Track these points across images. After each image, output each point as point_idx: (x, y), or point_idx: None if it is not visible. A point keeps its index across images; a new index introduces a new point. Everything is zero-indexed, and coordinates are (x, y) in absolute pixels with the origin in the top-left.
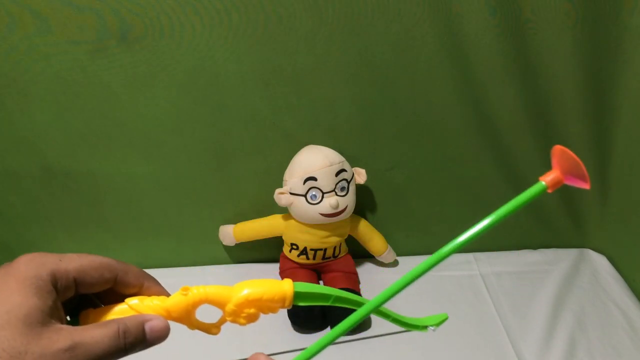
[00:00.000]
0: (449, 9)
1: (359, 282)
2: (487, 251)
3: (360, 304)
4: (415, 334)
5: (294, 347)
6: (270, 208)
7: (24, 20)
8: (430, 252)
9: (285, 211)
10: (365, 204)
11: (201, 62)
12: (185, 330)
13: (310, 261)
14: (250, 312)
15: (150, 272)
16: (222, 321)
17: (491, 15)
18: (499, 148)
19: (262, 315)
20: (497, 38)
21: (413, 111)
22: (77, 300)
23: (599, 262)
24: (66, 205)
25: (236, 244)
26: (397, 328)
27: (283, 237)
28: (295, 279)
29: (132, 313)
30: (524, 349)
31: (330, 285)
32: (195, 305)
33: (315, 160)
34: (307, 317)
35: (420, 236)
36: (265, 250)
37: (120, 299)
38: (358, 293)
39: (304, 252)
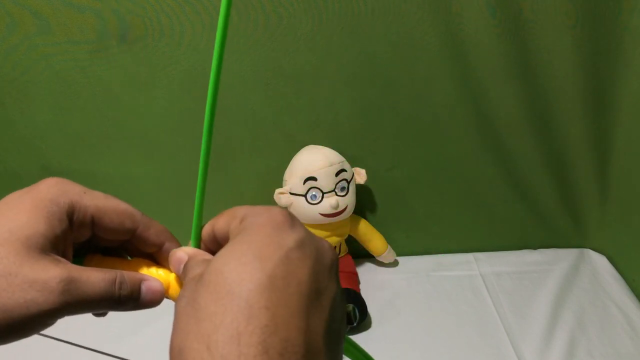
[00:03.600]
0: (449, 9)
1: (359, 282)
2: (487, 251)
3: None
4: (415, 333)
5: None
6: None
7: (24, 21)
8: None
9: None
10: (365, 204)
11: (201, 62)
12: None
13: None
14: None
15: None
16: None
17: (491, 15)
18: (499, 148)
19: None
20: (497, 38)
21: (413, 111)
22: (91, 249)
23: (599, 262)
24: None
25: None
26: (397, 325)
27: None
28: None
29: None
30: (524, 349)
31: None
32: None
33: (315, 160)
34: None
35: (420, 236)
36: None
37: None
38: (358, 293)
39: None
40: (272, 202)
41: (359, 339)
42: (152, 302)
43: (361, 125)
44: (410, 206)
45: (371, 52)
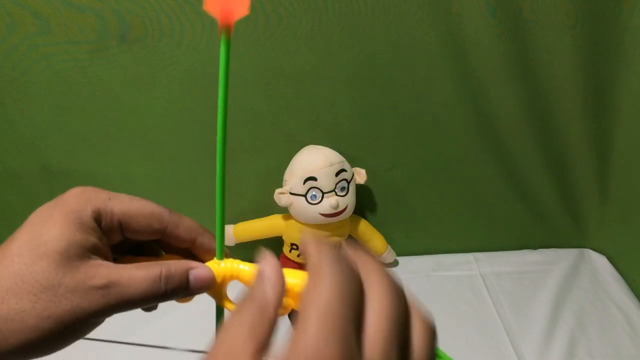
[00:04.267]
0: (449, 9)
1: None
2: (487, 251)
3: None
4: None
5: None
6: (270, 208)
7: (24, 21)
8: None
9: (285, 211)
10: (365, 204)
11: (201, 62)
12: (181, 330)
13: None
14: (287, 304)
15: None
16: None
17: (491, 15)
18: (499, 148)
19: None
20: (497, 38)
21: (413, 111)
22: (125, 248)
23: (599, 262)
24: None
25: (236, 244)
26: None
27: (283, 237)
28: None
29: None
30: (524, 349)
31: None
32: (227, 279)
33: (315, 160)
34: None
35: (420, 236)
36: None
37: (174, 249)
38: None
39: None
40: (272, 202)
41: None
42: (203, 288)
43: (361, 125)
44: (410, 206)
45: (371, 52)
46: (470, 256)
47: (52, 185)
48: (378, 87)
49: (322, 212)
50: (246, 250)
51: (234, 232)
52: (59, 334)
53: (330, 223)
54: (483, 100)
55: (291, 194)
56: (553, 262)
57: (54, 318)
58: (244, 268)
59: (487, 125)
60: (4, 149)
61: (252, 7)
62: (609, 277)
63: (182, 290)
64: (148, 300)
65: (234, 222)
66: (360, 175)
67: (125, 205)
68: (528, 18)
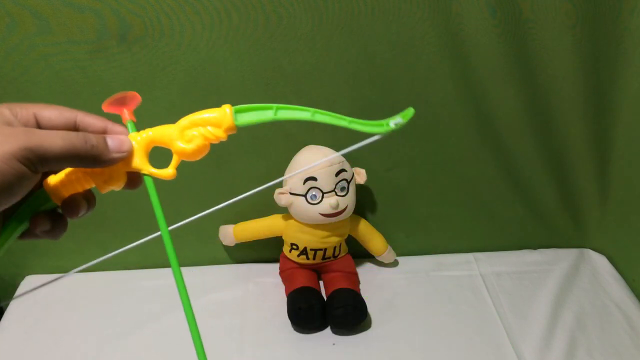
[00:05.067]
0: (449, 9)
1: (359, 282)
2: (487, 251)
3: (304, 112)
4: (415, 333)
5: (294, 347)
6: (270, 208)
7: (24, 21)
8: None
9: (285, 211)
10: (365, 204)
11: (201, 62)
12: (184, 330)
13: (310, 261)
14: (197, 140)
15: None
16: (174, 161)
17: (491, 15)
18: (499, 148)
19: (262, 316)
20: (497, 38)
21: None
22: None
23: (599, 262)
24: None
25: (236, 244)
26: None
27: (283, 237)
28: (295, 278)
29: (90, 176)
30: (524, 349)
31: (330, 285)
32: (146, 149)
33: (315, 160)
34: (307, 317)
35: (420, 236)
36: (265, 250)
37: None
38: (358, 293)
39: (304, 252)
40: (272, 202)
41: (359, 338)
42: (121, 149)
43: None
44: (410, 206)
45: (371, 52)
46: (470, 256)
47: None
48: (378, 87)
49: (322, 212)
50: (246, 251)
51: (234, 232)
52: None
53: (330, 223)
54: (483, 100)
55: (291, 194)
56: (553, 262)
57: None
58: (150, 133)
59: (487, 125)
60: None
61: (252, 7)
62: (609, 277)
63: (103, 149)
64: (71, 155)
65: (234, 222)
66: (360, 175)
67: (34, 104)
68: (528, 18)
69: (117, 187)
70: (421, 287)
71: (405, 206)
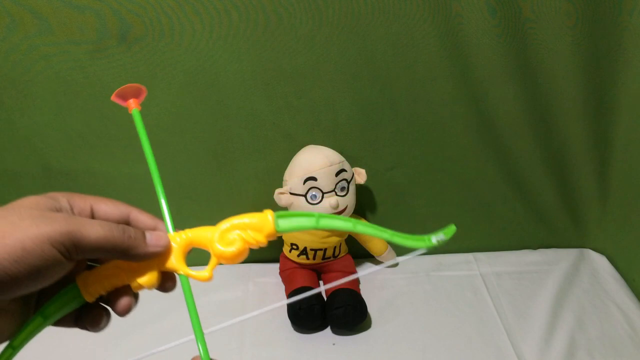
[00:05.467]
0: (449, 9)
1: (359, 282)
2: (487, 251)
3: (346, 222)
4: (415, 333)
5: (294, 347)
6: (270, 208)
7: (24, 21)
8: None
9: None
10: (365, 204)
11: (201, 62)
12: (184, 330)
13: (310, 261)
14: (237, 243)
15: None
16: (212, 263)
17: (491, 15)
18: (499, 148)
19: (262, 316)
20: (497, 38)
21: (413, 111)
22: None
23: (599, 262)
24: None
25: None
26: (397, 325)
27: (283, 237)
28: (295, 278)
29: (122, 269)
30: (524, 349)
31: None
32: (184, 250)
33: (315, 160)
34: (307, 317)
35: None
36: (265, 250)
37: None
38: (358, 293)
39: (304, 252)
40: (272, 202)
41: (359, 338)
42: (157, 245)
43: (361, 125)
44: (410, 206)
45: (371, 52)
46: (470, 256)
47: (52, 185)
48: (378, 87)
49: (322, 212)
50: None
51: None
52: (30, 273)
53: None
54: (483, 100)
55: (291, 194)
56: (553, 262)
57: (20, 260)
58: (189, 234)
59: (487, 125)
60: (4, 149)
61: (252, 7)
62: (609, 277)
63: (140, 241)
64: (107, 244)
65: None
66: (360, 175)
67: (90, 195)
68: (528, 18)
69: (150, 286)
70: (421, 287)
71: (405, 206)
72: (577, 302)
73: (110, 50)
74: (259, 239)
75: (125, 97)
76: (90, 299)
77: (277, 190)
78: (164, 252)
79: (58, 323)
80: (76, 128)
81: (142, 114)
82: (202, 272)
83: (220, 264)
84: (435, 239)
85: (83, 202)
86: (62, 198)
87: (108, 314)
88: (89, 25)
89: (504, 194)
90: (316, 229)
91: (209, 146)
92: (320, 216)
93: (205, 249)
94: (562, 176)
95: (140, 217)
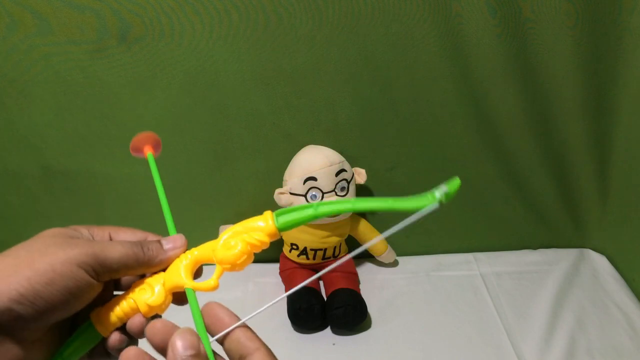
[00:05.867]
0: (449, 9)
1: (359, 282)
2: (487, 251)
3: (345, 203)
4: (415, 333)
5: (294, 347)
6: (270, 208)
7: (24, 21)
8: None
9: None
10: None
11: (201, 62)
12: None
13: (310, 261)
14: (239, 245)
15: None
16: (217, 272)
17: (491, 15)
18: (499, 148)
19: (262, 316)
20: (497, 38)
21: (413, 111)
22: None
23: (599, 262)
24: (66, 205)
25: None
26: (397, 325)
27: (283, 237)
28: (295, 278)
29: (132, 298)
30: (524, 349)
31: (330, 285)
32: (192, 269)
33: (315, 160)
34: (307, 317)
35: (420, 236)
36: (265, 250)
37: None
38: (358, 293)
39: (304, 252)
40: (272, 202)
41: (359, 338)
42: (175, 247)
43: (361, 125)
44: None
45: (371, 52)
46: (470, 256)
47: (52, 185)
48: (378, 87)
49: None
50: None
51: None
52: (52, 283)
53: (330, 223)
54: (483, 100)
55: (291, 194)
56: (553, 262)
57: (47, 262)
58: (195, 253)
59: (487, 125)
60: (4, 149)
61: (252, 7)
62: (609, 277)
63: (159, 250)
64: (129, 260)
65: (234, 222)
66: (360, 175)
67: (106, 226)
68: (528, 18)
69: (161, 309)
70: (421, 287)
71: None
72: (577, 302)
73: (110, 50)
74: (262, 239)
75: (140, 147)
76: (105, 332)
77: (277, 190)
78: (176, 270)
79: (92, 357)
80: (76, 128)
81: (143, 113)
82: (208, 281)
83: (227, 271)
84: (438, 193)
85: (102, 231)
86: (82, 229)
87: (131, 337)
88: (89, 25)
89: (504, 194)
90: (317, 217)
91: (209, 146)
92: (319, 204)
93: (212, 262)
94: (562, 176)
95: (155, 237)
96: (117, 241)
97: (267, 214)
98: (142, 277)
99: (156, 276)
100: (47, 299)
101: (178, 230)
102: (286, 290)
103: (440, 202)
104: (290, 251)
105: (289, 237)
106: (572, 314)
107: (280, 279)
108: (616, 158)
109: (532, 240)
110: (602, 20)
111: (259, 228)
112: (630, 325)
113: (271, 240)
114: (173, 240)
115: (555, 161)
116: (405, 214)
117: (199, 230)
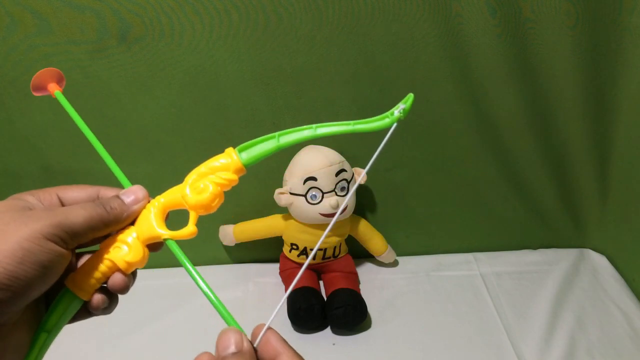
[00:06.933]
0: (449, 9)
1: (359, 282)
2: (487, 251)
3: (306, 130)
4: (415, 333)
5: (294, 346)
6: (270, 208)
7: (24, 21)
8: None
9: (285, 211)
10: (365, 204)
11: (201, 62)
12: (182, 331)
13: (310, 261)
14: (210, 187)
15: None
16: (192, 217)
17: (491, 15)
18: (499, 148)
19: (262, 316)
20: (497, 38)
21: (413, 111)
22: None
23: (599, 262)
24: None
25: (236, 244)
26: (397, 325)
27: (283, 237)
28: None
29: (108, 258)
30: (524, 349)
31: (330, 285)
32: (162, 216)
33: (315, 160)
34: (307, 317)
35: (420, 236)
36: (265, 250)
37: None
38: (358, 293)
39: (304, 252)
40: (272, 202)
41: (359, 338)
42: (137, 200)
43: None
44: (410, 206)
45: (371, 52)
46: (470, 256)
47: (52, 185)
48: (378, 87)
49: (322, 212)
50: (246, 251)
51: (234, 232)
52: (21, 259)
53: None
54: (483, 100)
55: (291, 194)
56: (553, 262)
57: (14, 240)
58: (162, 200)
59: (487, 125)
60: (4, 149)
61: (252, 7)
62: (609, 277)
63: (121, 205)
64: (95, 222)
65: (234, 222)
66: (360, 175)
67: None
68: (528, 18)
69: (140, 262)
70: (421, 287)
71: (405, 206)
72: (577, 302)
73: (110, 50)
74: (230, 177)
75: (43, 84)
76: (86, 296)
77: (277, 190)
78: (148, 220)
79: (73, 319)
80: (76, 128)
81: (143, 113)
82: (186, 228)
83: (201, 214)
84: (397, 111)
85: (48, 194)
86: (27, 196)
87: (111, 295)
88: (89, 25)
89: (504, 194)
90: (279, 148)
91: (209, 146)
92: (280, 134)
93: (182, 207)
94: (562, 176)
95: (110, 193)
96: (79, 205)
97: (229, 150)
98: (106, 236)
99: (126, 231)
100: (22, 277)
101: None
102: (286, 290)
103: (400, 120)
104: (290, 251)
105: (289, 237)
106: (572, 314)
107: (280, 279)
108: (616, 158)
109: (532, 240)
110: (602, 20)
111: (224, 167)
112: (630, 325)
113: (239, 176)
114: (134, 192)
115: (555, 161)
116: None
117: (199, 230)
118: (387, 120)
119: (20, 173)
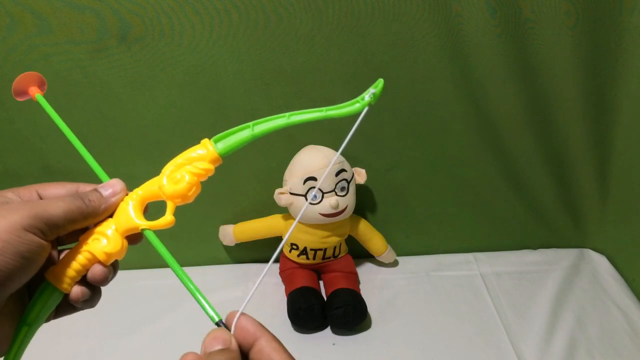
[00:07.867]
0: (449, 9)
1: (359, 282)
2: (487, 251)
3: (280, 119)
4: (415, 333)
5: (293, 347)
6: (270, 208)
7: (24, 21)
8: (430, 252)
9: (285, 211)
10: (365, 204)
11: (201, 62)
12: (181, 331)
13: (310, 261)
14: (186, 177)
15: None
16: (169, 207)
17: (491, 15)
18: (499, 148)
19: (262, 316)
20: (497, 38)
21: (413, 111)
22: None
23: (599, 262)
24: None
25: (236, 244)
26: (397, 325)
27: (283, 237)
28: (295, 278)
29: (87, 250)
30: (524, 349)
31: (330, 285)
32: (141, 209)
33: (315, 160)
34: (307, 317)
35: (420, 236)
36: (265, 250)
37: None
38: (358, 293)
39: (304, 252)
40: (272, 202)
41: (359, 339)
42: (114, 194)
43: (361, 125)
44: (410, 206)
45: (371, 52)
46: (470, 256)
47: None
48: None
49: (322, 212)
50: (246, 251)
51: (234, 232)
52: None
53: (330, 223)
54: (483, 100)
55: (291, 194)
56: (553, 262)
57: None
58: (140, 192)
59: (487, 125)
60: (4, 149)
61: (252, 7)
62: (609, 277)
63: (99, 198)
64: (74, 214)
65: (234, 222)
66: (360, 175)
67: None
68: (528, 18)
69: (119, 253)
70: (421, 287)
71: (405, 206)
72: (577, 302)
73: (110, 50)
74: (206, 167)
75: (24, 89)
76: (67, 288)
77: (277, 190)
78: (126, 214)
79: (58, 314)
80: (76, 128)
81: (143, 113)
82: (163, 217)
83: (178, 204)
84: (367, 96)
85: (28, 191)
86: (7, 193)
87: (92, 287)
88: (89, 25)
89: (504, 194)
90: (254, 137)
91: None
92: (255, 124)
93: (160, 199)
94: (562, 176)
95: (88, 187)
96: (57, 197)
97: (205, 141)
98: (85, 230)
99: (104, 224)
100: (2, 268)
101: (179, 231)
102: (286, 290)
103: (370, 105)
104: (290, 251)
105: (289, 237)
106: (572, 314)
107: (280, 279)
108: (616, 158)
109: (532, 240)
110: (602, 20)
111: (200, 157)
112: (630, 325)
113: (215, 166)
114: (111, 186)
115: (555, 161)
116: None
117: (199, 230)
118: (357, 105)
119: (20, 173)
